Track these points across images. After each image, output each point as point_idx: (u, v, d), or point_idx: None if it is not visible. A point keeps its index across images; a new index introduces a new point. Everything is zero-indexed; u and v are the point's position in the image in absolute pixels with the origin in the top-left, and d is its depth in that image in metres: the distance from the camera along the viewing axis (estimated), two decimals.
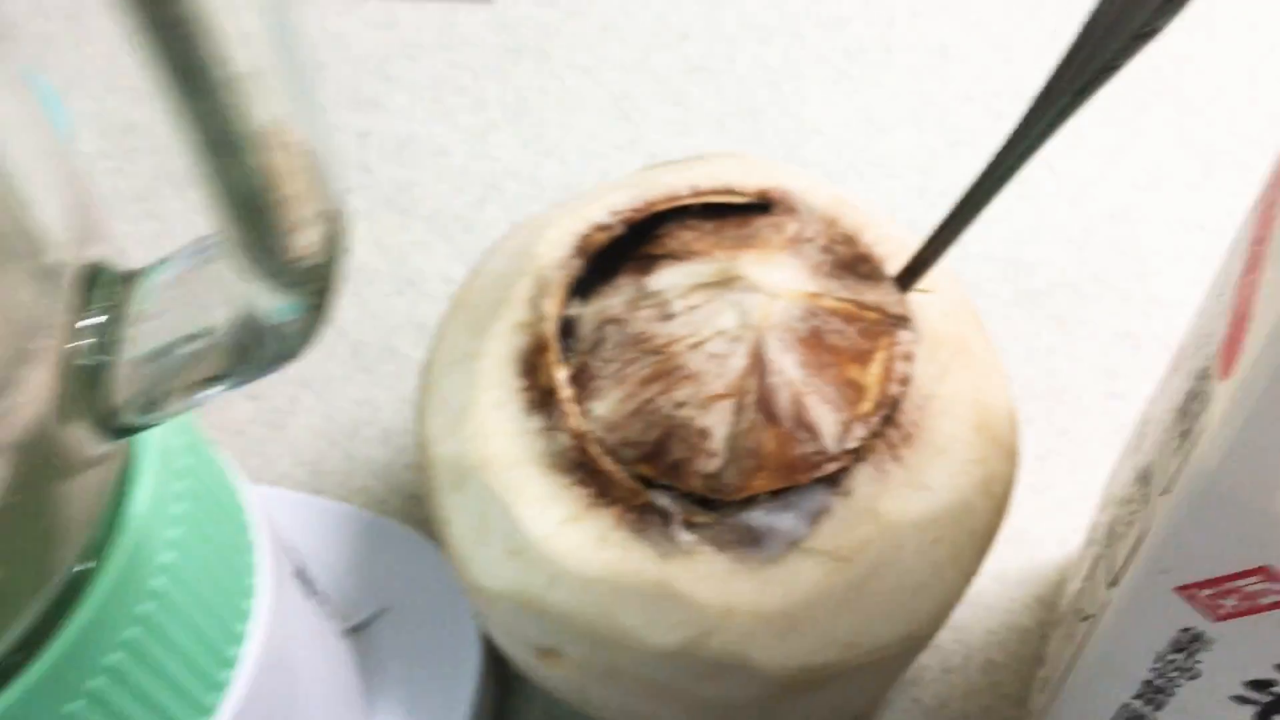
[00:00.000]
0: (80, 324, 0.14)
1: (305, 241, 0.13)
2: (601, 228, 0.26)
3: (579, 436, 0.24)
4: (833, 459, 0.23)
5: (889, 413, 0.24)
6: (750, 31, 0.44)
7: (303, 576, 0.26)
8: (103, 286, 0.15)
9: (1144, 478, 0.21)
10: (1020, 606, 0.32)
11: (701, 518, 0.23)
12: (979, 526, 0.25)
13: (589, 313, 0.25)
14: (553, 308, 0.25)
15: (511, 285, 0.26)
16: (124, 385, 0.15)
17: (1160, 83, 0.42)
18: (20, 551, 0.15)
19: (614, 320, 0.25)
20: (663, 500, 0.23)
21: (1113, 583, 0.22)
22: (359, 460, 0.35)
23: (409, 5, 0.45)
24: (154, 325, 0.15)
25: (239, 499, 0.22)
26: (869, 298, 0.25)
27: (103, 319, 0.15)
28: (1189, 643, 0.21)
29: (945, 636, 0.32)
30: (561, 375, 0.25)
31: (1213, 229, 0.39)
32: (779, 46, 0.44)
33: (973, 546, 0.25)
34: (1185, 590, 0.19)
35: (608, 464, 0.24)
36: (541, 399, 0.25)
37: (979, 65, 0.43)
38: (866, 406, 0.24)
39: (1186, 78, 0.42)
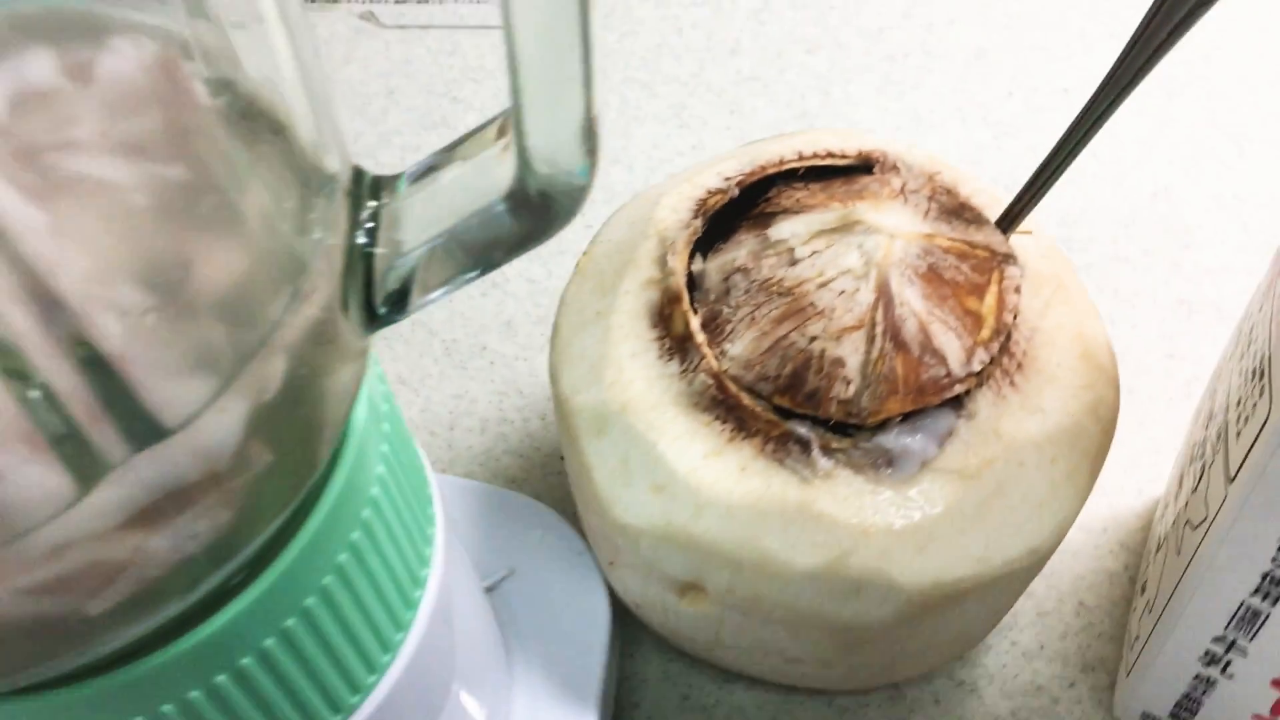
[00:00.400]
0: (354, 219, 0.16)
1: (596, 109, 0.14)
2: (716, 191, 0.28)
3: (717, 376, 0.26)
4: (959, 381, 0.25)
5: (1004, 340, 0.26)
6: (796, 44, 0.47)
7: (454, 528, 0.27)
8: (368, 187, 0.17)
9: (1258, 373, 0.23)
10: (1106, 552, 0.34)
11: (838, 443, 0.25)
12: (1090, 448, 0.26)
13: (713, 267, 0.27)
14: (679, 264, 0.27)
15: (635, 249, 0.28)
16: (390, 276, 0.17)
17: (1188, 73, 0.45)
18: (291, 439, 0.17)
19: (740, 270, 0.27)
20: (801, 429, 0.25)
21: (1232, 478, 0.23)
22: (460, 449, 0.37)
23: (469, 32, 0.48)
24: (415, 220, 0.16)
25: (410, 435, 0.24)
26: (977, 238, 0.27)
27: (372, 217, 0.16)
28: None
29: (1038, 584, 0.34)
30: (695, 321, 0.26)
31: (1250, 199, 0.41)
32: (825, 56, 0.46)
33: (1086, 467, 0.26)
34: None
35: (746, 399, 0.25)
36: (676, 345, 0.26)
37: (1016, 64, 0.46)
38: (985, 334, 0.26)
39: (1211, 67, 0.45)
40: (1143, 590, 0.31)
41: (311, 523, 0.19)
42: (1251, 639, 0.26)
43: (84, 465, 0.14)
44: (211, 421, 0.15)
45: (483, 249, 0.16)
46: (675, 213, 0.28)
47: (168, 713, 0.19)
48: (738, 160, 0.29)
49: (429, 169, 0.17)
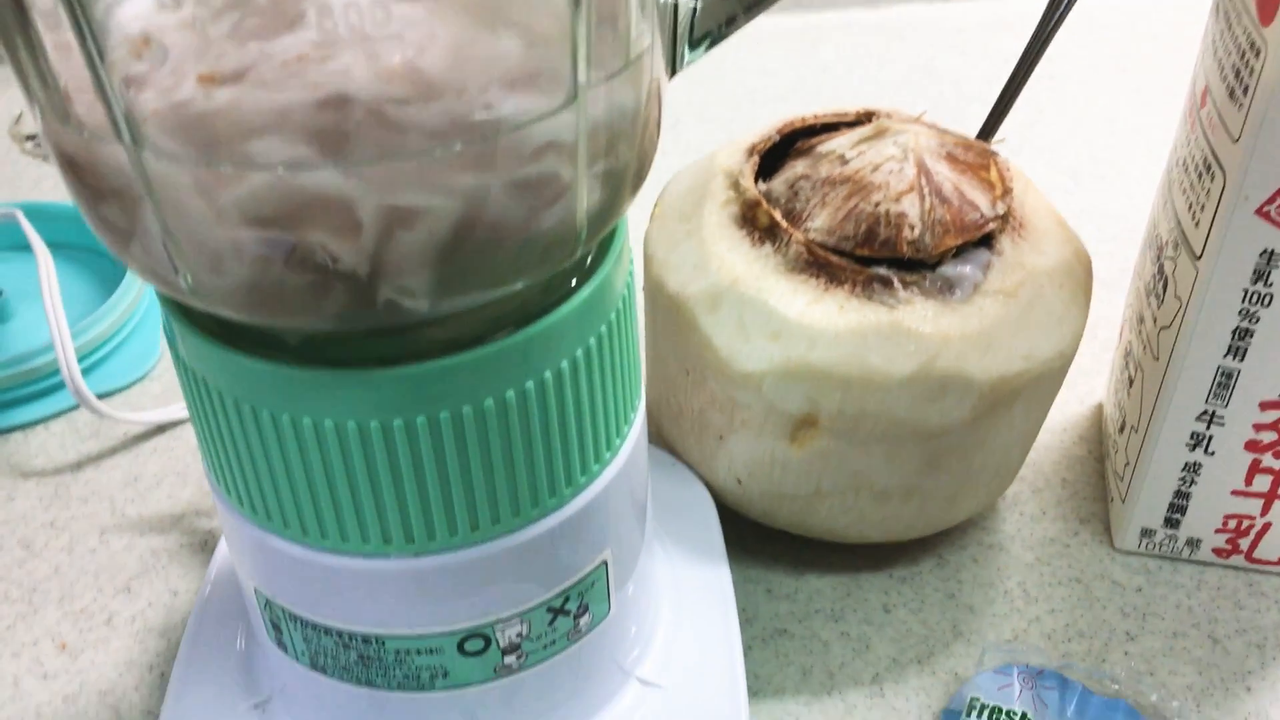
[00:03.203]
0: None
1: None
2: (763, 138, 0.36)
3: (807, 244, 0.33)
4: (991, 220, 0.33)
5: (1009, 200, 0.34)
6: (778, 75, 0.56)
7: None
8: None
9: (1206, 169, 0.32)
10: (1070, 443, 0.42)
11: (911, 277, 0.32)
12: (1080, 282, 0.35)
13: (777, 183, 0.35)
14: (749, 183, 0.35)
15: (706, 185, 0.36)
16: (689, 27, 0.23)
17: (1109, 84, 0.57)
18: (629, 155, 0.23)
19: (802, 177, 0.34)
20: (881, 270, 0.32)
21: (1199, 255, 0.32)
22: None
23: None
24: None
25: None
26: (970, 140, 0.35)
27: None
28: (1266, 267, 0.31)
29: (1025, 471, 0.41)
30: (778, 213, 0.34)
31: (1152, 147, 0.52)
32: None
33: (1082, 294, 0.34)
34: (1262, 210, 0.30)
35: (833, 257, 0.33)
36: (765, 234, 0.33)
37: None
38: (999, 191, 0.34)
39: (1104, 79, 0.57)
40: (1120, 430, 0.38)
41: (598, 275, 0.25)
42: (1227, 404, 0.34)
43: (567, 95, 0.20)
44: (624, 85, 0.22)
45: None
46: (732, 157, 0.36)
47: (487, 407, 0.23)
48: (768, 126, 0.37)
49: None
